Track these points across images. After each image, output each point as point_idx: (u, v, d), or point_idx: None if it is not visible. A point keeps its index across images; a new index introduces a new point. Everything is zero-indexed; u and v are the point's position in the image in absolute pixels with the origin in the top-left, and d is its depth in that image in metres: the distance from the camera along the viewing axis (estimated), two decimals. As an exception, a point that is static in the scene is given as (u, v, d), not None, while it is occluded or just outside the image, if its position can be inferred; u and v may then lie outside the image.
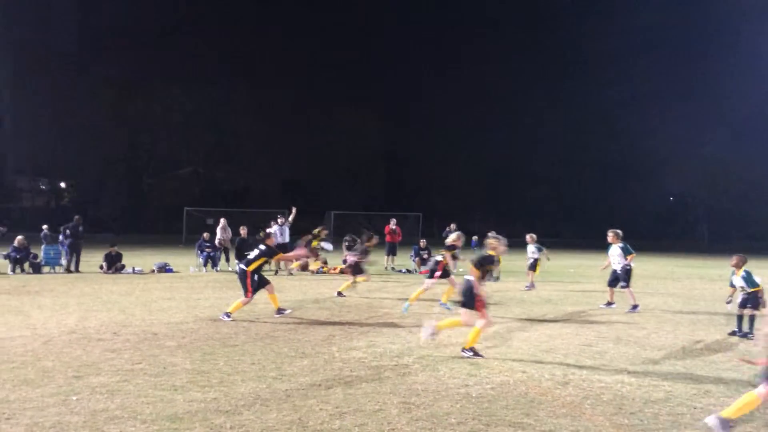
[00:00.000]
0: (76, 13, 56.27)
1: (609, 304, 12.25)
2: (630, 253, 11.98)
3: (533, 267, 15.74)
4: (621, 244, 12.04)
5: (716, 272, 23.35)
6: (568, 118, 62.16)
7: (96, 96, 56.69)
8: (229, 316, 10.04)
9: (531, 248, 15.88)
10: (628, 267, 11.97)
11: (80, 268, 18.44)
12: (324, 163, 62.01)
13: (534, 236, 16.16)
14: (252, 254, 10.53)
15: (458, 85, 64.98)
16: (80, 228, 18.69)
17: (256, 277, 10.32)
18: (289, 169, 61.68)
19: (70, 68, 56.38)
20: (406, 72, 66.46)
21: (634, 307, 11.78)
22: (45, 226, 19.95)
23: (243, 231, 17.90)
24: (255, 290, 10.28)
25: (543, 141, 62.78)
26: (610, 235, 12.21)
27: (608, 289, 12.38)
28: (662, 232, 56.35)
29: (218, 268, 19.35)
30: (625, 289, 11.92)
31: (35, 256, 18.26)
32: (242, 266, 10.51)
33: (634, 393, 6.20)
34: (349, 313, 11.11)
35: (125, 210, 55.22)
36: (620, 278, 12.00)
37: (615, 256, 12.15)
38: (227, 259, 20.11)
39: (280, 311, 10.56)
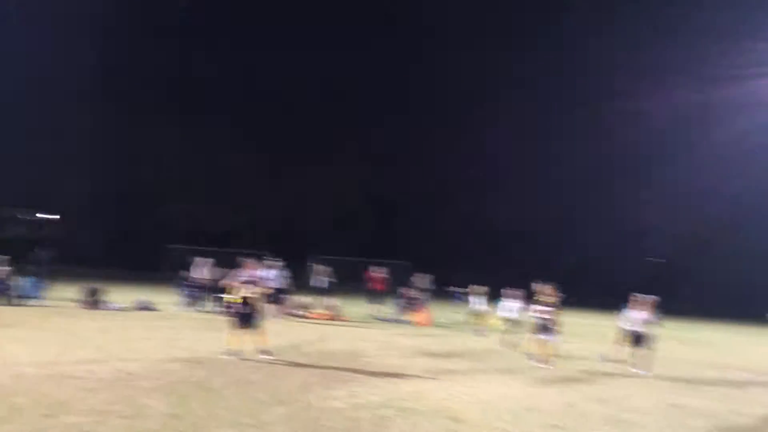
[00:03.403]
0: (76, 48, 56.64)
1: None
2: None
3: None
4: None
5: (692, 335, 23.46)
6: (561, 178, 63.01)
7: (86, 128, 56.72)
8: (230, 353, 10.26)
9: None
10: None
11: (55, 302, 18.19)
12: (312, 208, 62.06)
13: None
14: None
15: (458, 139, 65.49)
16: (45, 258, 19.12)
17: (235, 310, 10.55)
18: (277, 212, 61.63)
19: (63, 100, 56.45)
20: (401, 120, 67.04)
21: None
22: None
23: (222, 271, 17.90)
24: (239, 325, 10.44)
25: (532, 199, 63.27)
26: None
27: None
28: (645, 293, 56.48)
29: (198, 308, 19.09)
30: None
31: (8, 287, 17.89)
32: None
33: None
34: (329, 360, 10.96)
35: (108, 244, 54.60)
36: None
37: None
38: (206, 300, 19.79)
39: (263, 353, 10.54)
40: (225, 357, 10.19)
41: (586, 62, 60.78)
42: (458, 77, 67.02)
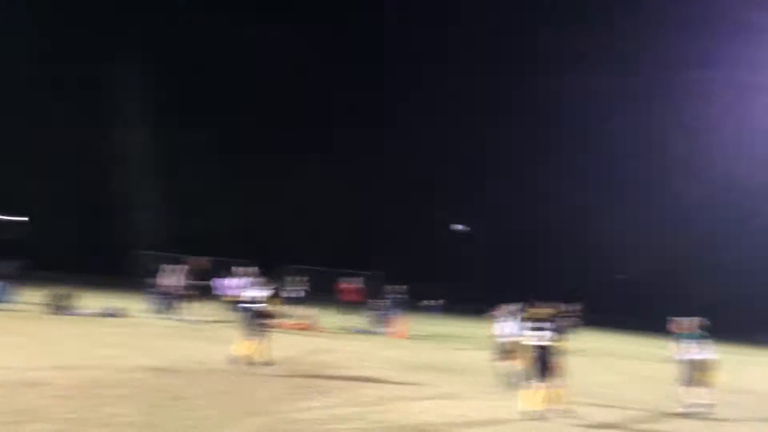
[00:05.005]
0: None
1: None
2: None
3: None
4: None
5: (659, 352, 23.79)
6: (521, 192, 63.65)
7: (56, 129, 55.90)
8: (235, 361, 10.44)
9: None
10: None
11: (24, 307, 17.83)
12: (285, 215, 61.76)
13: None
14: None
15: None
16: (14, 262, 19.71)
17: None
18: (248, 219, 61.26)
19: (30, 95, 55.48)
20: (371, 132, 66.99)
21: None
22: None
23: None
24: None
25: (498, 210, 63.80)
26: None
27: None
28: (613, 309, 57.20)
29: (169, 315, 18.81)
30: None
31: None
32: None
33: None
34: (304, 371, 10.89)
35: (77, 249, 53.64)
36: None
37: None
38: (175, 306, 19.48)
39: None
40: (230, 365, 10.32)
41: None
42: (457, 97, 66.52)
